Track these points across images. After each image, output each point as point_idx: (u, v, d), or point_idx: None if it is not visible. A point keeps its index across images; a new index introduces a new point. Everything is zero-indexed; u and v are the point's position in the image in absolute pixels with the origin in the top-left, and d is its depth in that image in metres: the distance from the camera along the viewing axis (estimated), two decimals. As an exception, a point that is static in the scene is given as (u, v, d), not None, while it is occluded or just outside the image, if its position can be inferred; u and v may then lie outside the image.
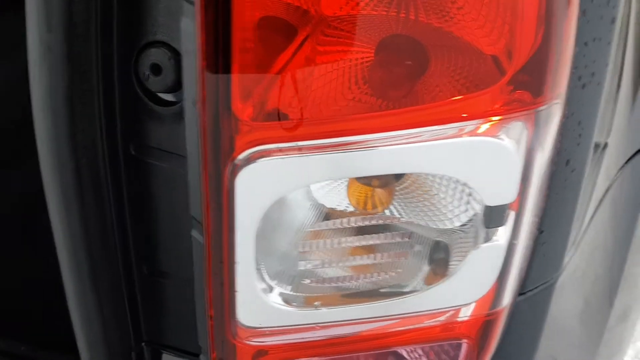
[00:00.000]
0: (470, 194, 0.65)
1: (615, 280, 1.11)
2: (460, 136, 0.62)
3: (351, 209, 0.68)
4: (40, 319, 1.24)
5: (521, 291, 0.84)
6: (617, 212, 1.08)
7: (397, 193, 0.69)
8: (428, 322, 0.69)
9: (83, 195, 0.75)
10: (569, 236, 0.84)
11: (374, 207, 0.68)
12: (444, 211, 0.68)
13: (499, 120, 0.62)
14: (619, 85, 0.88)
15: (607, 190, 1.00)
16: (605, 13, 0.69)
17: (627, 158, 1.06)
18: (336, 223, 0.67)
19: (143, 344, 0.85)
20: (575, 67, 0.71)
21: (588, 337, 1.09)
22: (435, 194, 0.68)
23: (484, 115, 0.62)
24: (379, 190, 0.69)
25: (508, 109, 0.62)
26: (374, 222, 0.69)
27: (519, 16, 0.61)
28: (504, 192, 0.64)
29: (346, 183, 0.68)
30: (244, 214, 0.62)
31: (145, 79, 0.70)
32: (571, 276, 0.93)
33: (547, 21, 0.63)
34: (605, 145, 0.87)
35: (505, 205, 0.66)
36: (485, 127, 0.62)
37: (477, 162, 0.62)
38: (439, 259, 0.68)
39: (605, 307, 1.10)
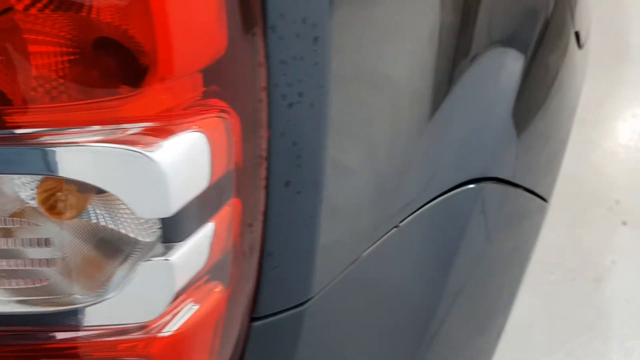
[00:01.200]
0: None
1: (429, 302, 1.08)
2: (99, 142, 0.59)
3: (35, 204, 0.65)
4: None
5: (255, 316, 0.81)
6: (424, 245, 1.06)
7: (95, 200, 0.66)
8: (100, 339, 0.66)
9: None
10: (314, 261, 0.82)
11: (62, 210, 0.66)
12: (129, 224, 0.66)
13: (143, 129, 0.60)
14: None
15: (402, 221, 0.98)
16: (302, 31, 0.67)
17: (437, 192, 1.04)
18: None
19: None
20: (274, 84, 0.69)
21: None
22: (121, 205, 0.66)
23: (128, 121, 0.59)
24: (72, 194, 0.66)
25: (155, 118, 0.60)
26: (53, 225, 0.66)
27: (183, 26, 0.60)
28: (155, 205, 0.61)
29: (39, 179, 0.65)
30: None
31: None
32: (343, 300, 0.91)
33: (223, 34, 0.61)
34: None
35: (176, 218, 0.64)
36: (129, 135, 0.60)
37: (119, 171, 0.60)
38: (112, 274, 0.66)
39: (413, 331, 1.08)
